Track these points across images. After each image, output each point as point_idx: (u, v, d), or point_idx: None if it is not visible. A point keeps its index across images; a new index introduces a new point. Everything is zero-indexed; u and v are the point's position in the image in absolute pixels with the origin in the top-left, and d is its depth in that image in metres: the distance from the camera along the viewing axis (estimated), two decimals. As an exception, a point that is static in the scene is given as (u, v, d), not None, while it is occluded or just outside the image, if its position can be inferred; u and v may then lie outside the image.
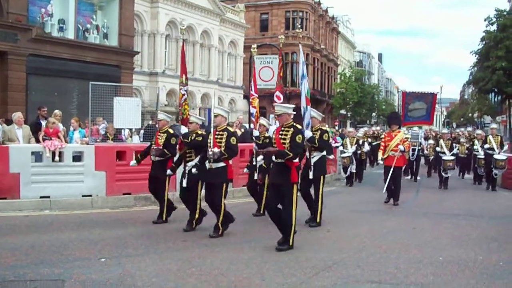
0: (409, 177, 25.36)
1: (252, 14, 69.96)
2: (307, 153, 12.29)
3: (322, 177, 12.60)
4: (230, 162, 11.15)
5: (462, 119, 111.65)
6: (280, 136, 9.94)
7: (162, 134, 12.51)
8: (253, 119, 14.51)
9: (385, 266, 8.75)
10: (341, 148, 23.59)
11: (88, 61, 31.19)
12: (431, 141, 26.11)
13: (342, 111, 77.95)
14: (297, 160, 9.88)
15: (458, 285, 7.85)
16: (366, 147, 25.10)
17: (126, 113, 17.36)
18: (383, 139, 17.70)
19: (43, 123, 16.55)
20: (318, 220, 12.48)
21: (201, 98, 54.44)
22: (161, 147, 12.31)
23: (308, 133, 11.80)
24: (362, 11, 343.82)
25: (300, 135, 9.83)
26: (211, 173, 10.91)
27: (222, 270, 8.30)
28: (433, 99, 28.70)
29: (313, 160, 12.42)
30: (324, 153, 12.71)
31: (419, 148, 25.51)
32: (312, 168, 12.33)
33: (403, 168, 21.25)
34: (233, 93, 61.68)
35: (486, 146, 21.52)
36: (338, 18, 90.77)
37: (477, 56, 48.83)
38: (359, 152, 23.67)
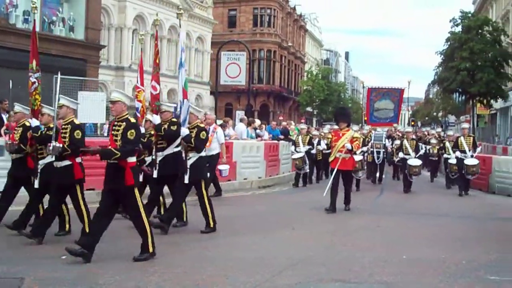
0: (371, 179, 23.29)
1: (220, 10, 69.99)
2: (183, 155, 11.20)
3: (202, 180, 11.12)
4: (78, 160, 9.75)
5: (427, 118, 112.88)
6: (112, 132, 8.60)
7: (18, 128, 11.02)
8: (138, 114, 13.05)
9: (350, 265, 8.73)
10: (292, 148, 21.32)
11: (53, 54, 30.78)
12: (397, 142, 23.39)
13: (309, 109, 78.26)
14: (133, 159, 8.59)
15: (421, 284, 7.87)
16: (323, 146, 21.93)
17: (91, 108, 17.21)
18: (330, 139, 16.05)
19: (4, 116, 16.25)
20: (211, 225, 11.02)
21: (168, 94, 54.17)
22: (16, 142, 10.80)
23: (184, 131, 10.89)
24: (330, 10, 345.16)
25: (133, 130, 8.45)
26: (56, 173, 9.66)
27: (185, 268, 8.21)
28: (400, 96, 27.91)
29: (189, 162, 10.96)
30: (203, 154, 11.28)
31: (384, 150, 23.12)
32: (188, 172, 10.92)
33: (362, 171, 20.35)
34: (200, 89, 61.55)
35: (458, 153, 19.68)
36: (305, 16, 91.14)
37: (442, 56, 49.42)
38: (313, 151, 21.33)
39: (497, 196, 19.74)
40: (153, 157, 11.38)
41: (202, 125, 11.46)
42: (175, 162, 11.21)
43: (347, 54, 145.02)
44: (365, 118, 30.48)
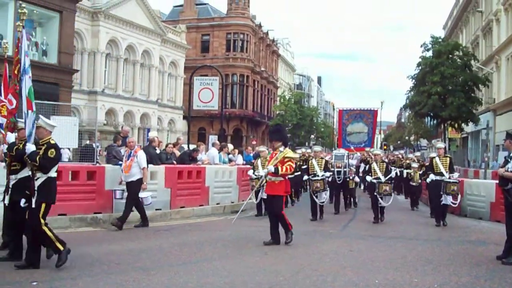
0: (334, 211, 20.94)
1: (194, 35, 70.32)
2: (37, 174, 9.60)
3: (43, 204, 9.64)
4: None
5: (399, 142, 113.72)
6: None
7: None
8: (2, 131, 11.78)
9: (321, 290, 8.75)
10: (250, 171, 19.59)
11: (25, 79, 30.59)
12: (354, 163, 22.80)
13: (281, 133, 78.36)
14: None
15: (392, 308, 7.90)
16: None
17: (63, 132, 17.07)
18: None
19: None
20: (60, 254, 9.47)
21: (141, 118, 54.14)
22: None
23: (29, 147, 9.56)
24: (302, 35, 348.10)
25: None
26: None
27: (157, 293, 8.18)
28: (374, 118, 27.39)
29: (36, 184, 9.54)
30: (52, 174, 9.74)
31: (345, 170, 21.52)
32: (35, 194, 9.49)
33: (325, 192, 18.35)
34: (173, 113, 61.57)
35: (433, 176, 17.77)
36: (278, 41, 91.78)
37: (413, 81, 49.83)
38: None
39: (468, 219, 19.84)
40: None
41: (53, 142, 9.86)
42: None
43: (319, 78, 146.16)
44: (338, 142, 30.17)
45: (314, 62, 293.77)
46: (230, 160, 22.21)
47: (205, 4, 77.47)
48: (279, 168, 12.60)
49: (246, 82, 72.10)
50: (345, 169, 21.58)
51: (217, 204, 19.48)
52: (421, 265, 11.02)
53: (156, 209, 16.85)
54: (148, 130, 51.80)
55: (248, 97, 72.61)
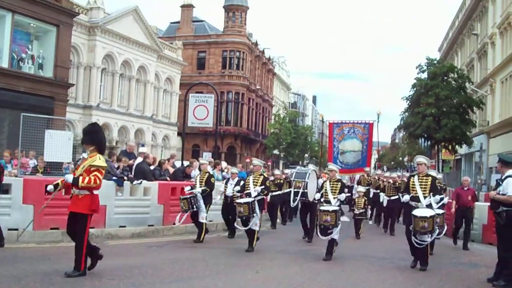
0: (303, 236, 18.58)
1: (190, 52, 70.55)
2: None
3: None
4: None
5: (392, 162, 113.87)
6: None
7: None
8: None
9: (312, 309, 8.75)
10: (231, 189, 17.95)
11: (21, 91, 30.64)
12: (361, 189, 19.75)
13: (275, 152, 78.47)
14: None
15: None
16: (229, 190, 18.38)
17: (58, 146, 17.08)
18: None
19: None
20: None
21: (135, 134, 54.14)
22: None
23: None
24: (298, 54, 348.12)
25: None
26: None
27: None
28: (369, 133, 25.57)
29: None
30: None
31: (305, 191, 17.14)
32: None
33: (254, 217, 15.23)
34: (167, 129, 61.60)
35: (406, 198, 13.66)
36: (274, 59, 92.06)
37: (408, 102, 49.89)
38: (219, 196, 18.48)
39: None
40: None
41: None
42: None
43: (314, 97, 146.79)
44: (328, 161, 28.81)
45: (309, 81, 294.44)
46: (223, 178, 22.17)
47: (201, 21, 77.79)
48: (80, 178, 10.08)
49: (241, 100, 72.28)
50: (304, 190, 17.28)
51: (210, 221, 19.40)
52: (412, 286, 11.05)
53: (149, 225, 16.85)
54: (142, 146, 51.77)
55: (243, 115, 72.76)
